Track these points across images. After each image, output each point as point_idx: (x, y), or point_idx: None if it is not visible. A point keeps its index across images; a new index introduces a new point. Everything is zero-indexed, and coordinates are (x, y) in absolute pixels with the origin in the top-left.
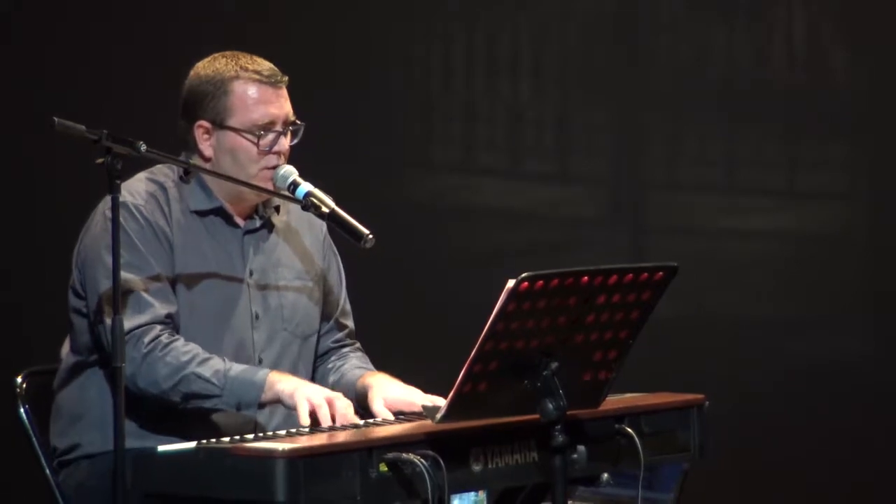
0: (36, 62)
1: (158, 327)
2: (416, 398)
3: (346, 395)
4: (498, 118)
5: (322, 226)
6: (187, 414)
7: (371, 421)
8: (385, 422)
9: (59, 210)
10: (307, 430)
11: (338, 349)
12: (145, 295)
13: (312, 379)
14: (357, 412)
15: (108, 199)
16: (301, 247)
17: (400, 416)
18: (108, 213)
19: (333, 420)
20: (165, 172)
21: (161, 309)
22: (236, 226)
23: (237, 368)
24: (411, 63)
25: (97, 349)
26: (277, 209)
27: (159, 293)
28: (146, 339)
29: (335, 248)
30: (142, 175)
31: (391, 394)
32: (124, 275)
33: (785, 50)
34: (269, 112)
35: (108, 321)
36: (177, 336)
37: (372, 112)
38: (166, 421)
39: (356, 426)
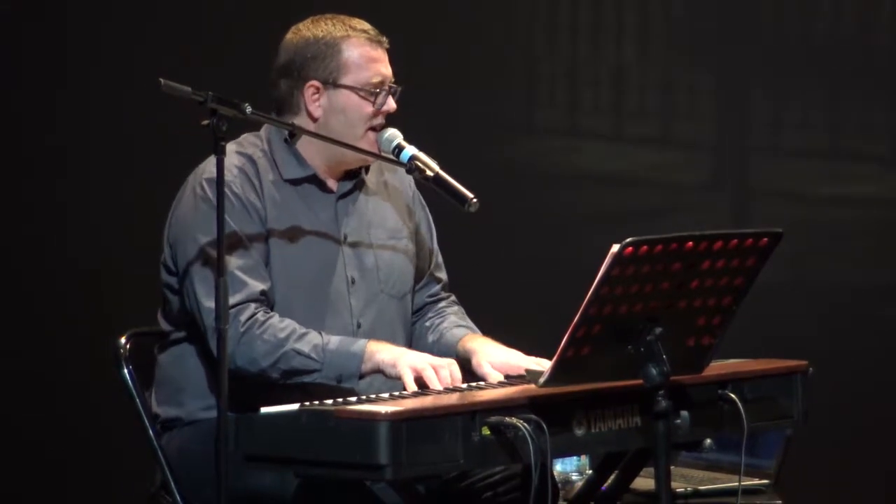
0: (134, 22)
1: (253, 305)
2: (520, 361)
3: (446, 356)
4: (602, 82)
5: (410, 181)
6: (287, 385)
7: (474, 384)
8: (488, 385)
9: (155, 173)
10: (410, 393)
11: (434, 304)
12: (239, 273)
13: (410, 338)
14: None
15: (196, 174)
16: (391, 205)
17: (503, 379)
18: (198, 190)
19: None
20: (253, 143)
21: (255, 286)
22: (329, 191)
23: (335, 341)
24: (516, 26)
25: (191, 324)
26: (367, 168)
27: (252, 270)
28: (242, 318)
29: (423, 202)
30: (230, 148)
31: (496, 357)
32: (216, 254)
33: (892, 12)
34: (381, 71)
35: (203, 301)
36: (272, 313)
37: (476, 75)
38: (268, 391)
39: (459, 389)
